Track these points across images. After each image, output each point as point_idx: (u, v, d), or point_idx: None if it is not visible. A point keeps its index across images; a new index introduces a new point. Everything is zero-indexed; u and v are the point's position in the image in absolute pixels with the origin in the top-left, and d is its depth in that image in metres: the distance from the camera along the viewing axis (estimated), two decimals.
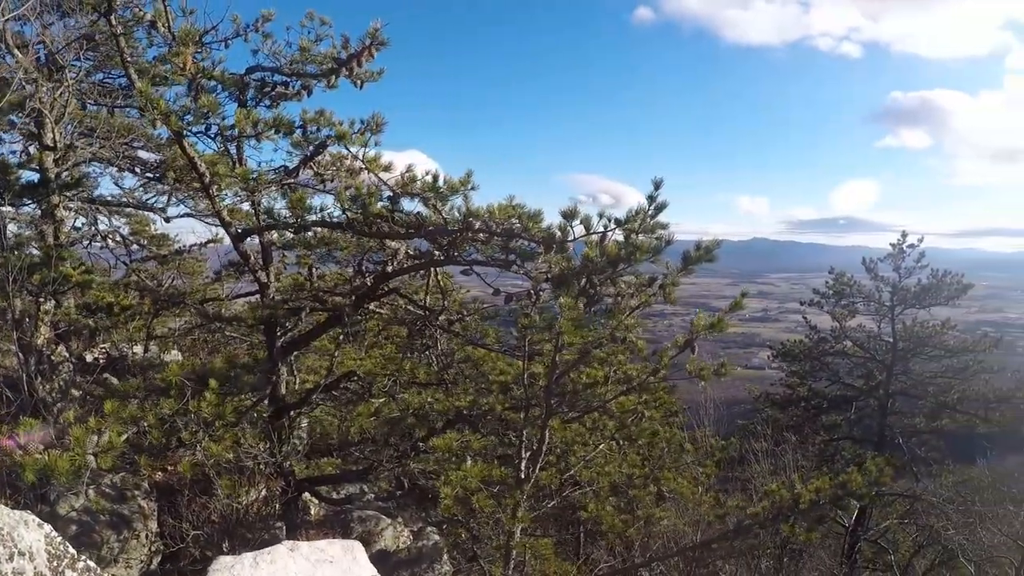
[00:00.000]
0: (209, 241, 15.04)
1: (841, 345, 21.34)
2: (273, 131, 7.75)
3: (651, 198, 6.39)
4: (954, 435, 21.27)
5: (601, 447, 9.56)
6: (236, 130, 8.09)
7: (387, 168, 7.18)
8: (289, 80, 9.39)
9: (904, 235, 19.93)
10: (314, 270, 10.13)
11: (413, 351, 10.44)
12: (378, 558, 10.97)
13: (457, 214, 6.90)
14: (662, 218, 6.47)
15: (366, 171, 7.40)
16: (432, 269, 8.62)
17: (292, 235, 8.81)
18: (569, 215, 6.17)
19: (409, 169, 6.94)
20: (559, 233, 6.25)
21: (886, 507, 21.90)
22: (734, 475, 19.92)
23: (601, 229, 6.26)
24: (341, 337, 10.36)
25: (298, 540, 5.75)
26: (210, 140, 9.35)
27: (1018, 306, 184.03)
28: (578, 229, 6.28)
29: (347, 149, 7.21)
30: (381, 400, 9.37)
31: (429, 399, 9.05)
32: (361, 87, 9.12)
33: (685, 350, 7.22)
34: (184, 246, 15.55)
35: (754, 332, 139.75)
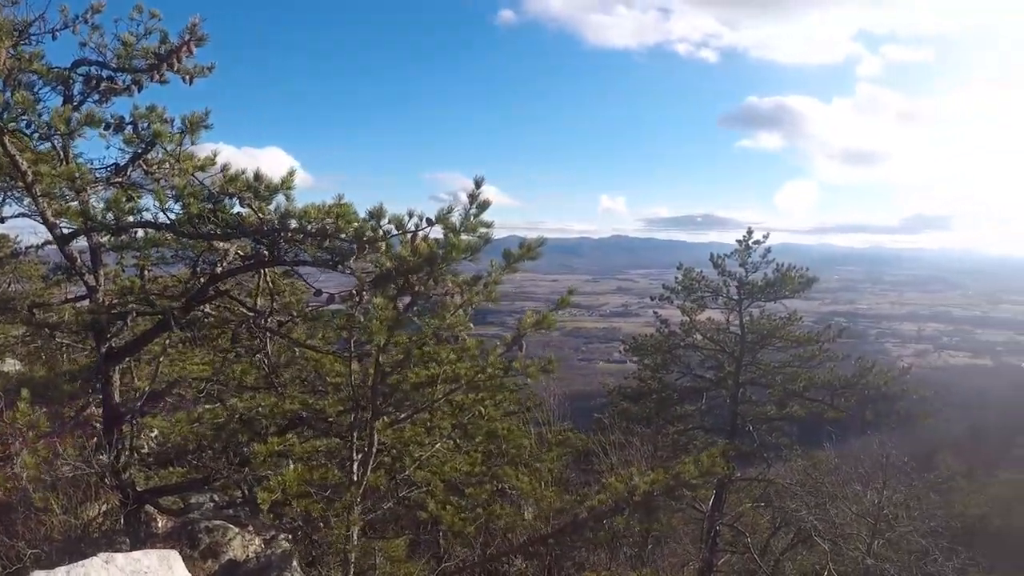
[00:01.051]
0: (47, 242, 14.26)
1: (691, 338, 21.68)
2: (87, 128, 7.42)
3: (472, 196, 6.36)
4: (802, 421, 22.23)
5: (437, 447, 9.56)
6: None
7: (203, 167, 7.00)
8: (115, 75, 9.01)
9: (750, 232, 20.52)
10: (147, 272, 9.74)
11: (243, 354, 10.21)
12: (227, 568, 10.68)
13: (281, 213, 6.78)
14: (486, 216, 6.50)
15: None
16: (262, 270, 8.45)
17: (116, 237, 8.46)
18: (376, 214, 6.16)
19: (225, 168, 6.76)
20: (370, 232, 6.22)
21: (740, 492, 22.85)
22: (589, 468, 20.28)
23: (413, 228, 6.26)
24: (168, 341, 9.99)
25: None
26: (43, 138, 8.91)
27: (869, 298, 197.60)
28: (393, 228, 6.25)
29: (163, 148, 7.01)
30: (208, 406, 9.13)
31: (261, 403, 8.86)
32: (191, 83, 8.84)
33: (513, 347, 7.34)
34: (21, 248, 14.72)
35: (615, 327, 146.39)
